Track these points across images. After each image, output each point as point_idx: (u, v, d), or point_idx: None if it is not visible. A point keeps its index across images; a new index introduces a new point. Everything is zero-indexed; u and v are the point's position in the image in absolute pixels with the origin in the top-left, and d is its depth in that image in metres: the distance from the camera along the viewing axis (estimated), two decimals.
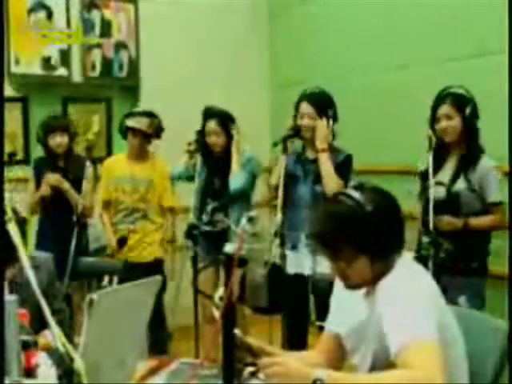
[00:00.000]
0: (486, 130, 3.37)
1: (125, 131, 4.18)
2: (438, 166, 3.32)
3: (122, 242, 4.09)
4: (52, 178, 4.02)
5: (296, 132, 3.58)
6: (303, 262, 3.54)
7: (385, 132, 4.53)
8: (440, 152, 3.33)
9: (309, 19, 5.30)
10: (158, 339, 3.85)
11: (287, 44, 5.59)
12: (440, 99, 3.34)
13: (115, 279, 2.68)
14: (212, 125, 3.91)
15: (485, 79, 3.87)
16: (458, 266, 3.19)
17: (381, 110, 4.60)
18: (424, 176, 3.39)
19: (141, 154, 4.22)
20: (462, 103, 3.27)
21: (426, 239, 3.18)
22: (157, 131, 4.16)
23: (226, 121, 3.92)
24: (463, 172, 3.27)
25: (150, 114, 4.17)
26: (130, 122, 4.12)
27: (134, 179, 4.17)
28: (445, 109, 3.30)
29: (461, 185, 3.26)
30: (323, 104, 3.59)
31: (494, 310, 3.00)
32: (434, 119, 3.34)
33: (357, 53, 4.85)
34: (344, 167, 3.57)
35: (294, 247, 3.59)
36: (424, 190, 3.37)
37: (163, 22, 5.11)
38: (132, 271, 3.39)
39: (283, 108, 5.26)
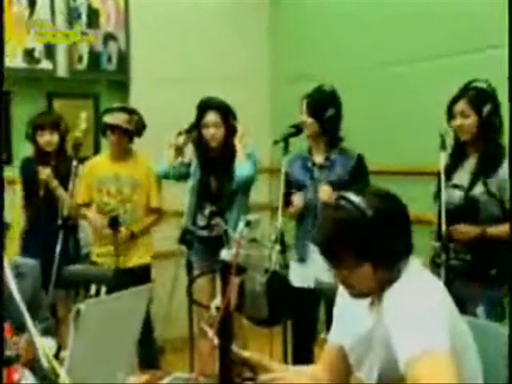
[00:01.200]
0: None
1: (103, 128, 4.17)
2: (455, 166, 3.29)
3: (114, 222, 4.03)
4: (43, 173, 4.04)
5: (298, 130, 3.58)
6: (310, 275, 3.53)
7: (394, 130, 4.54)
8: (457, 152, 3.31)
9: (311, 11, 5.30)
10: (147, 352, 3.83)
11: (288, 37, 5.58)
12: (458, 94, 3.30)
13: (103, 288, 2.67)
14: (211, 116, 3.88)
15: (494, 72, 3.88)
16: (475, 274, 3.14)
17: (390, 106, 4.61)
18: (440, 175, 3.36)
19: (122, 153, 4.20)
20: (481, 100, 3.22)
21: (437, 245, 3.17)
22: (137, 128, 4.15)
23: (226, 113, 3.91)
24: (483, 175, 3.21)
25: (129, 110, 4.17)
26: (108, 118, 4.11)
27: (117, 180, 4.16)
28: (460, 105, 3.26)
29: (479, 189, 3.20)
30: (318, 104, 3.62)
31: None
32: (450, 115, 3.31)
33: (363, 46, 4.85)
34: (359, 171, 3.59)
35: (302, 260, 3.60)
36: (439, 192, 3.33)
37: (155, 12, 5.08)
38: (119, 278, 3.38)
39: (285, 105, 5.29)
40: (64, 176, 4.02)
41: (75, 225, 4.18)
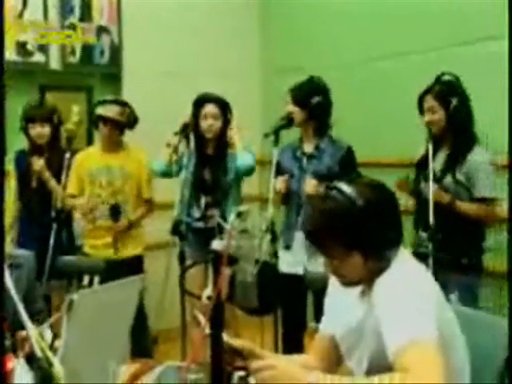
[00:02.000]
0: (485, 119, 3.38)
1: (96, 120, 4.17)
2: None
3: (115, 210, 4.04)
4: (37, 164, 4.02)
5: (289, 121, 3.58)
6: (297, 261, 3.55)
7: (383, 123, 4.53)
8: (434, 144, 3.34)
9: (302, 5, 5.28)
10: (140, 341, 3.83)
11: (279, 31, 5.56)
12: (426, 90, 3.37)
13: (96, 279, 2.67)
14: (210, 108, 3.93)
15: (484, 66, 3.89)
16: (448, 262, 3.17)
17: (379, 100, 4.60)
18: (418, 167, 3.40)
19: (114, 145, 4.20)
20: (447, 94, 3.28)
21: (424, 235, 3.18)
22: (129, 121, 4.14)
23: (224, 107, 3.97)
24: (451, 166, 3.28)
25: (121, 103, 4.17)
26: (100, 110, 4.10)
27: (109, 171, 4.15)
28: (428, 101, 3.34)
29: (449, 179, 3.28)
30: (304, 95, 3.63)
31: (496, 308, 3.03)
32: (420, 111, 3.39)
33: (353, 40, 4.85)
34: (348, 162, 3.60)
35: (288, 247, 3.62)
36: (417, 183, 3.38)
37: (148, 6, 5.05)
38: (112, 270, 3.38)
39: (275, 97, 5.27)
40: (57, 168, 4.00)
41: (69, 217, 4.17)
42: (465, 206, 3.24)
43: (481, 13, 3.87)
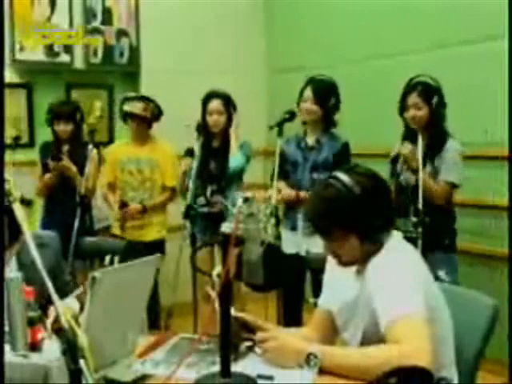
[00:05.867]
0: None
1: (124, 116, 4.20)
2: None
3: (124, 205, 4.13)
4: (59, 166, 4.01)
5: (291, 115, 3.58)
6: (301, 242, 3.57)
7: (382, 118, 4.45)
8: (409, 139, 3.38)
9: (305, 5, 5.24)
10: (151, 314, 3.85)
11: (283, 30, 5.53)
12: (409, 88, 3.41)
13: (116, 258, 2.67)
14: (215, 104, 3.93)
15: (468, 67, 3.88)
16: (434, 242, 3.19)
17: (378, 94, 4.54)
18: (393, 161, 3.47)
19: (142, 137, 4.24)
20: (430, 93, 3.34)
21: (413, 219, 3.18)
22: (153, 114, 4.17)
23: (228, 102, 3.96)
24: (430, 158, 3.32)
25: (144, 98, 4.18)
26: (127, 107, 4.14)
27: (138, 161, 4.21)
28: (413, 98, 3.37)
29: (428, 170, 3.31)
30: (324, 92, 3.64)
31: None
32: (403, 107, 3.41)
33: (355, 39, 4.78)
34: (343, 156, 3.62)
35: (294, 228, 3.63)
36: (393, 175, 3.45)
37: (163, 10, 5.05)
38: (134, 251, 3.40)
39: (280, 93, 5.26)
40: (79, 159, 4.01)
41: (89, 204, 4.18)
42: (428, 181, 3.25)
43: (478, 13, 3.81)
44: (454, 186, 3.36)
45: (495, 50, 3.71)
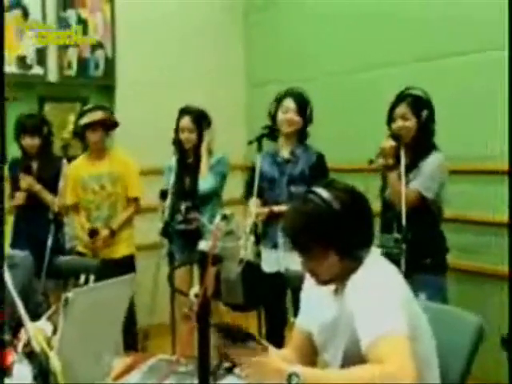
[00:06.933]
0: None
1: (81, 133, 4.09)
2: (394, 164, 3.27)
3: (93, 233, 4.05)
4: (24, 183, 4.00)
5: (271, 131, 3.59)
6: (281, 260, 3.55)
7: (362, 131, 4.47)
8: (396, 151, 3.30)
9: (284, 18, 5.29)
10: (128, 335, 3.81)
11: (262, 44, 5.57)
12: (398, 100, 3.38)
13: (92, 277, 2.65)
14: (186, 121, 3.94)
15: (458, 78, 3.91)
16: (415, 262, 3.08)
17: (357, 108, 4.58)
18: (383, 177, 3.43)
19: (101, 151, 4.17)
20: (419, 106, 3.30)
21: (396, 235, 3.17)
22: (112, 121, 4.14)
23: (200, 119, 3.94)
24: (412, 171, 3.26)
25: (100, 107, 4.16)
26: (86, 119, 4.04)
27: (100, 177, 4.13)
28: (401, 109, 3.34)
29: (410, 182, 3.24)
30: (304, 104, 3.68)
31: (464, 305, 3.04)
32: (390, 118, 3.38)
33: (333, 53, 4.82)
34: (319, 168, 3.63)
35: (275, 246, 3.61)
36: (383, 189, 3.41)
37: (139, 23, 5.07)
38: (106, 269, 3.36)
39: (258, 106, 5.27)
40: (51, 174, 3.98)
41: (61, 221, 4.14)
42: (398, 187, 3.16)
43: (467, 25, 3.84)
44: (423, 198, 3.24)
45: (491, 60, 3.72)
